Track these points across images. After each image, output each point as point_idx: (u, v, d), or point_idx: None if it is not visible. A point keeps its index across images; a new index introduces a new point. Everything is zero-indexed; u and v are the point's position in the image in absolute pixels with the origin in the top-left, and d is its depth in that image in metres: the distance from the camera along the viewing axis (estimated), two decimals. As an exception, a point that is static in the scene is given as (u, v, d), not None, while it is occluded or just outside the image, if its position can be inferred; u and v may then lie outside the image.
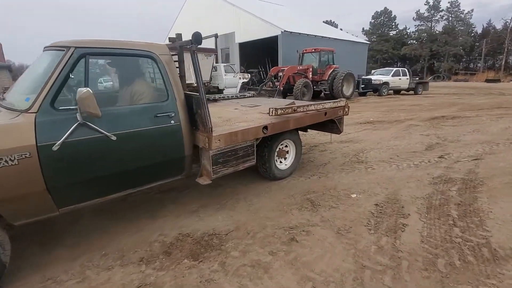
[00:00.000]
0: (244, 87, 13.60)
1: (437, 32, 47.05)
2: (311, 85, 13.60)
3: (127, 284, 2.10)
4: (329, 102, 4.02)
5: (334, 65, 14.64)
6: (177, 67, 2.94)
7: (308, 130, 4.67)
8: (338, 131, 4.48)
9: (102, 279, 2.16)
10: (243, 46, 20.15)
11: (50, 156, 2.00)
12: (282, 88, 12.83)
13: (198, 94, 2.67)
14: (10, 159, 1.84)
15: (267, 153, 3.66)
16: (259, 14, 19.04)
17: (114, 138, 2.25)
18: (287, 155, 4.06)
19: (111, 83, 2.77)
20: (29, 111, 1.98)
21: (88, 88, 1.97)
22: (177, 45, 2.99)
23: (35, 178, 1.96)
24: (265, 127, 3.21)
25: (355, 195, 3.42)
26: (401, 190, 3.52)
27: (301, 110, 3.61)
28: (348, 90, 14.54)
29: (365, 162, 4.62)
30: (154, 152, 2.52)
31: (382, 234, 2.60)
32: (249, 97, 5.87)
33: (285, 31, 17.43)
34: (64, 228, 2.87)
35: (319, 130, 4.72)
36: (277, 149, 3.86)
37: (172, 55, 2.83)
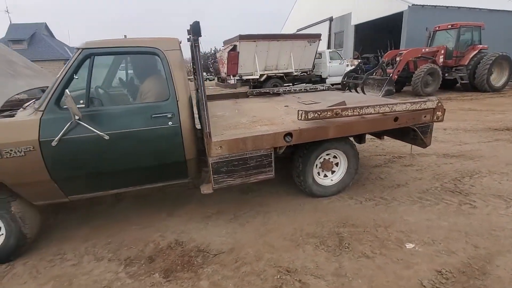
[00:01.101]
0: (350, 75, 12.05)
1: None
2: (440, 72, 10.61)
3: (97, 282, 2.14)
4: (405, 103, 2.84)
5: (481, 45, 10.82)
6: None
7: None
8: (422, 143, 3.18)
9: (86, 269, 2.29)
10: (360, 28, 17.79)
11: (50, 151, 2.20)
12: (396, 77, 10.59)
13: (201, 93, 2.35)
14: (18, 151, 2.13)
15: (302, 164, 2.98)
16: None
17: (106, 137, 2.28)
18: (335, 169, 3.21)
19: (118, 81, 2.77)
20: (39, 110, 2.23)
21: (66, 90, 2.01)
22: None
23: (40, 169, 2.21)
24: (289, 134, 2.57)
25: (412, 245, 2.32)
26: (501, 257, 2.13)
27: (351, 113, 2.69)
28: (498, 79, 10.56)
29: (464, 193, 3.11)
30: (150, 154, 2.43)
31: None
32: (322, 90, 5.01)
33: (414, 5, 14.11)
34: (101, 209, 3.26)
35: (395, 138, 3.52)
36: (319, 160, 3.10)
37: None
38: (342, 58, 13.47)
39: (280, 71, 12.23)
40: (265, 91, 4.74)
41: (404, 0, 14.38)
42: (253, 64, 11.69)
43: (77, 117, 2.16)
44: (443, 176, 3.56)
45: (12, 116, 2.31)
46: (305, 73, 13.03)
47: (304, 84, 13.65)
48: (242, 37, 11.08)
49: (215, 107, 4.01)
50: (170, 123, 2.42)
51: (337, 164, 3.21)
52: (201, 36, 2.28)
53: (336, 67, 13.07)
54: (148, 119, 2.37)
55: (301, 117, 2.58)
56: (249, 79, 12.00)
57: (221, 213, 3.01)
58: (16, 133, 2.14)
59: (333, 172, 3.23)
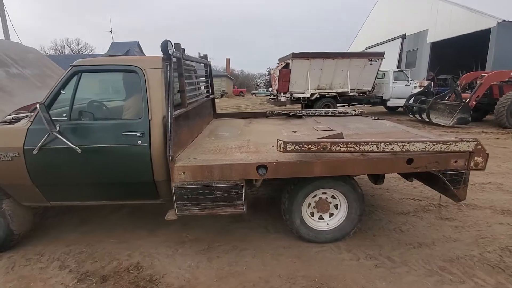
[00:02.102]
0: (417, 98, 10.58)
1: None
2: (538, 101, 8.43)
3: (45, 293, 2.16)
4: (424, 141, 2.20)
5: None
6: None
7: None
8: (453, 195, 2.42)
9: (47, 275, 2.35)
10: (437, 46, 15.63)
11: (31, 158, 2.36)
12: (475, 103, 8.86)
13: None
14: (6, 155, 2.35)
15: (288, 201, 2.58)
16: (465, 1, 13.94)
17: (79, 150, 2.34)
18: (334, 211, 2.68)
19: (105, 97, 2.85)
20: (30, 120, 2.43)
21: (38, 104, 2.13)
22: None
23: (23, 174, 2.40)
24: (263, 167, 2.23)
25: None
26: None
27: (343, 148, 2.20)
28: None
29: (509, 272, 2.21)
30: (118, 171, 2.40)
31: None
32: (353, 115, 4.42)
33: (504, 21, 11.72)
34: (102, 214, 3.40)
35: (424, 183, 2.80)
36: (313, 199, 2.64)
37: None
38: (409, 78, 11.98)
39: (333, 91, 11.57)
40: (284, 112, 4.41)
41: (492, 16, 12.11)
42: (305, 82, 11.34)
43: (53, 130, 2.28)
44: (490, 242, 2.63)
45: (13, 124, 2.58)
46: (363, 94, 12.02)
47: (364, 104, 12.62)
48: (295, 55, 10.90)
49: (224, 126, 3.88)
50: (139, 142, 2.36)
51: (336, 206, 2.68)
52: (170, 55, 2.18)
53: (401, 89, 11.68)
54: (119, 136, 2.36)
55: (280, 148, 2.22)
56: (300, 97, 11.68)
57: (197, 241, 2.80)
58: (7, 139, 2.37)
59: (331, 215, 2.70)
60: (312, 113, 4.47)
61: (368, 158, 2.26)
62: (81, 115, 2.43)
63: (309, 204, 2.67)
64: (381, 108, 13.25)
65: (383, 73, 12.14)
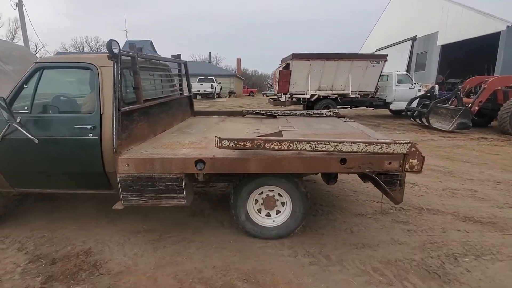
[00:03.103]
0: (420, 101, 10.32)
1: None
2: (546, 107, 8.04)
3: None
4: (356, 142, 2.22)
5: None
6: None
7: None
8: (391, 197, 2.42)
9: (4, 255, 2.55)
10: (447, 49, 15.11)
11: (-5, 147, 2.57)
12: (477, 108, 8.56)
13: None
14: (-23, 143, 2.56)
15: (233, 196, 2.66)
16: (475, 4, 13.38)
17: (36, 141, 2.52)
18: (281, 208, 2.74)
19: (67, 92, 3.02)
20: None
21: (-5, 97, 2.33)
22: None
23: (-11, 160, 2.61)
24: (201, 162, 2.33)
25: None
26: None
27: (277, 146, 2.26)
28: None
29: (444, 280, 2.19)
30: (71, 161, 2.57)
31: None
32: (328, 116, 4.42)
33: None
34: (76, 202, 3.60)
35: (373, 184, 2.81)
36: (260, 196, 2.71)
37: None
38: (413, 81, 11.68)
39: (334, 92, 11.47)
40: (258, 112, 4.48)
41: (502, 19, 11.59)
42: (306, 83, 11.32)
43: (12, 121, 2.47)
44: (437, 247, 2.60)
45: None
46: (366, 96, 11.85)
47: (367, 107, 12.42)
48: (296, 56, 10.90)
49: (197, 123, 4.00)
50: (90, 134, 2.52)
51: (283, 204, 2.74)
52: (114, 53, 2.31)
53: (404, 92, 11.40)
54: (72, 129, 2.53)
55: (217, 144, 2.31)
56: (300, 98, 11.66)
57: (151, 232, 2.93)
58: (-24, 129, 2.59)
59: (278, 212, 2.76)
60: (287, 113, 4.52)
61: (303, 156, 2.31)
62: (42, 109, 2.61)
63: (256, 200, 2.75)
64: (385, 111, 12.97)
65: (387, 76, 11.91)
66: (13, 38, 37.10)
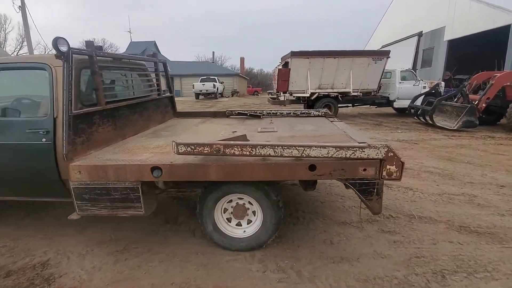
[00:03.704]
0: (425, 99, 9.89)
1: None
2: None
3: None
4: (326, 146, 1.98)
5: None
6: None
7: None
8: (368, 206, 2.17)
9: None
10: (454, 44, 14.51)
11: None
12: (484, 105, 8.12)
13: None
14: None
15: (199, 205, 2.46)
16: None
17: (-14, 146, 2.37)
18: (252, 218, 2.52)
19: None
20: None
21: None
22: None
23: None
24: (158, 168, 2.13)
25: None
26: None
27: (238, 151, 2.04)
28: None
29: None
30: (25, 168, 2.41)
31: None
32: (316, 116, 4.17)
33: None
34: (46, 210, 3.46)
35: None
36: (229, 204, 2.50)
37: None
38: (417, 78, 11.24)
39: (335, 90, 11.14)
40: (240, 112, 4.26)
41: (511, 11, 11.00)
42: (305, 81, 11.03)
43: None
44: (424, 263, 2.33)
45: None
46: (368, 94, 11.47)
47: (369, 105, 12.03)
48: (294, 54, 10.63)
49: (175, 125, 3.83)
50: (43, 139, 2.35)
51: (254, 214, 2.52)
52: (62, 52, 2.13)
53: (408, 89, 10.98)
54: (24, 133, 2.36)
55: (174, 149, 2.11)
56: (300, 97, 11.38)
57: (117, 242, 2.76)
58: None
59: (249, 222, 2.54)
60: (273, 113, 4.28)
61: (267, 163, 2.08)
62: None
63: (225, 209, 2.54)
64: (389, 110, 12.55)
65: (390, 73, 11.50)
66: (22, 42, 37.91)
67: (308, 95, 11.12)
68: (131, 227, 2.99)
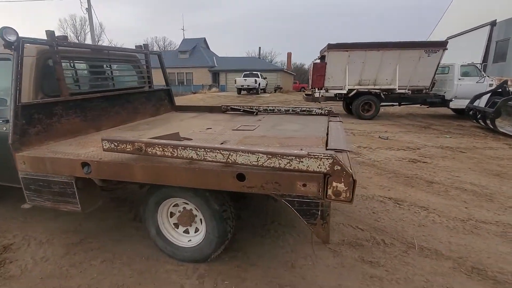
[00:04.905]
0: (490, 99, 8.16)
1: None
2: None
3: None
4: (256, 151, 1.58)
5: None
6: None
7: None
8: (314, 231, 1.70)
9: None
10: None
11: None
12: None
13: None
14: None
15: (142, 207, 2.27)
16: None
17: (-35, 132, 2.53)
18: (200, 227, 2.24)
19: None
20: None
21: None
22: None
23: None
24: (87, 164, 1.99)
25: None
26: None
27: (160, 151, 1.77)
28: None
29: None
30: (-5, 154, 2.50)
31: None
32: (319, 114, 3.63)
33: None
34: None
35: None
36: (172, 209, 2.27)
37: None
38: (482, 74, 9.36)
39: (377, 87, 9.98)
40: (233, 107, 3.94)
41: None
42: (343, 77, 10.12)
43: None
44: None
45: None
46: (419, 92, 10.02)
47: (420, 105, 10.49)
48: (332, 46, 9.81)
49: (166, 119, 3.71)
50: (4, 128, 2.41)
51: (201, 222, 2.22)
52: (9, 42, 2.11)
53: (470, 87, 9.21)
54: (-6, 122, 2.45)
55: (104, 145, 1.94)
56: (336, 93, 10.49)
57: (77, 233, 2.75)
58: None
59: (197, 230, 2.27)
60: (270, 110, 3.88)
61: (190, 167, 1.77)
62: None
63: (172, 213, 2.30)
64: (446, 110, 10.75)
65: (448, 67, 9.83)
66: (98, 41, 43.20)
67: (345, 91, 10.18)
68: (100, 219, 2.97)
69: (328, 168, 1.48)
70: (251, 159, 1.59)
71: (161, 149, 1.77)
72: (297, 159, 1.51)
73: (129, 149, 1.85)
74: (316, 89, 10.83)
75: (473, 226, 2.73)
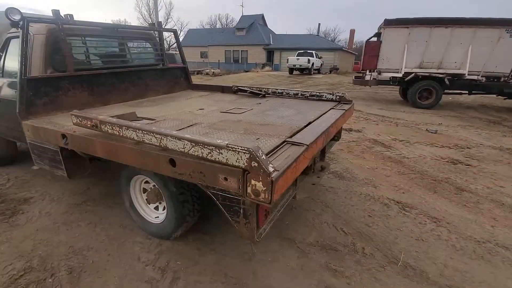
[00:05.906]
0: None
1: None
2: None
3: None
4: (182, 138, 1.49)
5: None
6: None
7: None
8: (238, 229, 1.57)
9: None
10: None
11: None
12: None
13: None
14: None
15: (119, 180, 2.42)
16: None
17: (-1, 100, 3.00)
18: (164, 204, 2.30)
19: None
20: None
21: None
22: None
23: None
24: (65, 136, 2.18)
25: None
26: None
27: (110, 129, 1.82)
28: None
29: None
30: (14, 118, 2.87)
31: None
32: (330, 100, 3.27)
33: None
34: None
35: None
36: (145, 185, 2.37)
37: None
38: None
39: (442, 71, 8.51)
40: (240, 88, 3.78)
41: None
42: (401, 58, 8.87)
43: None
44: None
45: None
46: (496, 80, 8.25)
47: (496, 95, 8.64)
48: (389, 22, 8.64)
49: (175, 97, 3.81)
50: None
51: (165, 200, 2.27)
52: (14, 21, 2.33)
53: None
54: (13, 92, 2.84)
55: (73, 120, 2.09)
56: (391, 77, 9.29)
57: (84, 195, 3.10)
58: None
59: (164, 208, 2.33)
60: (279, 92, 3.64)
61: (133, 148, 1.77)
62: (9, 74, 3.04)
63: (145, 189, 2.40)
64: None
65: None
66: (167, 19, 46.17)
67: (401, 75, 8.95)
68: (105, 185, 3.29)
69: (245, 164, 1.32)
70: (179, 145, 1.51)
71: (110, 127, 1.81)
72: (217, 150, 1.38)
73: (88, 125, 1.95)
74: (368, 71, 9.78)
75: (488, 250, 2.20)
